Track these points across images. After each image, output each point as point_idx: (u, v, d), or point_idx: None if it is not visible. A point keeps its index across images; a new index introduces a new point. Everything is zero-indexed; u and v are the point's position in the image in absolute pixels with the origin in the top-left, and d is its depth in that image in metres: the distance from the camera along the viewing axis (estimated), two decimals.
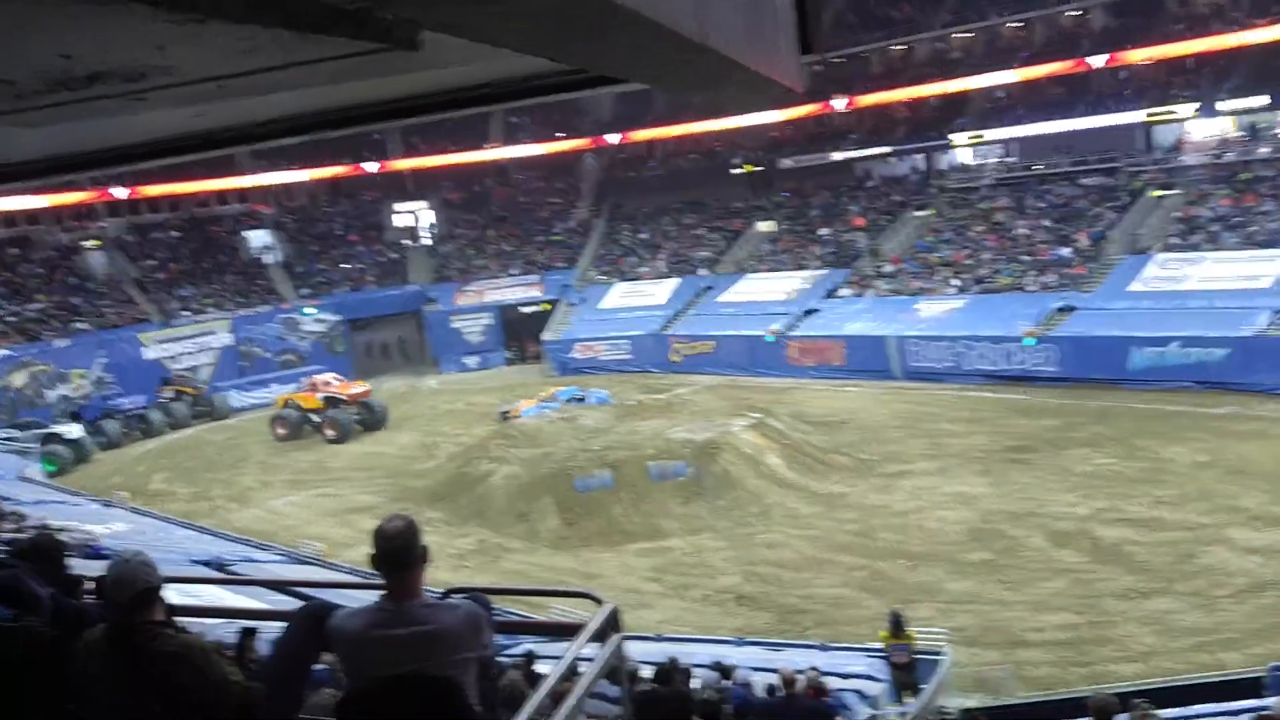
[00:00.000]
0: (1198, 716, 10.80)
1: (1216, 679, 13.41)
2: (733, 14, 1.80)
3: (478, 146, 56.72)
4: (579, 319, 48.43)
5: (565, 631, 3.39)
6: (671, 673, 7.10)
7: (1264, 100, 39.35)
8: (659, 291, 48.25)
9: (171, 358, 45.52)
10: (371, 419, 38.12)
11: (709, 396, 34.10)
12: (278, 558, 20.49)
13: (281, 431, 37.83)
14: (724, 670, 9.29)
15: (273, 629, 3.99)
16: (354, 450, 35.54)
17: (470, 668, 2.98)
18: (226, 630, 5.96)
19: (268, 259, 53.26)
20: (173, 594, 3.53)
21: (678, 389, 35.30)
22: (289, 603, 8.31)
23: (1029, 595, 18.62)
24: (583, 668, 3.21)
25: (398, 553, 3.08)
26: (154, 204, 53.29)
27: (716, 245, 50.60)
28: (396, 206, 57.87)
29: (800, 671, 9.43)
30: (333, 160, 55.04)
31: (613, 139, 56.23)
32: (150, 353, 45.01)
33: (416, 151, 57.19)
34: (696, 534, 23.88)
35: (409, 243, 56.67)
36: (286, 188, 56.89)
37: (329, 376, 40.17)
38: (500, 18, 1.38)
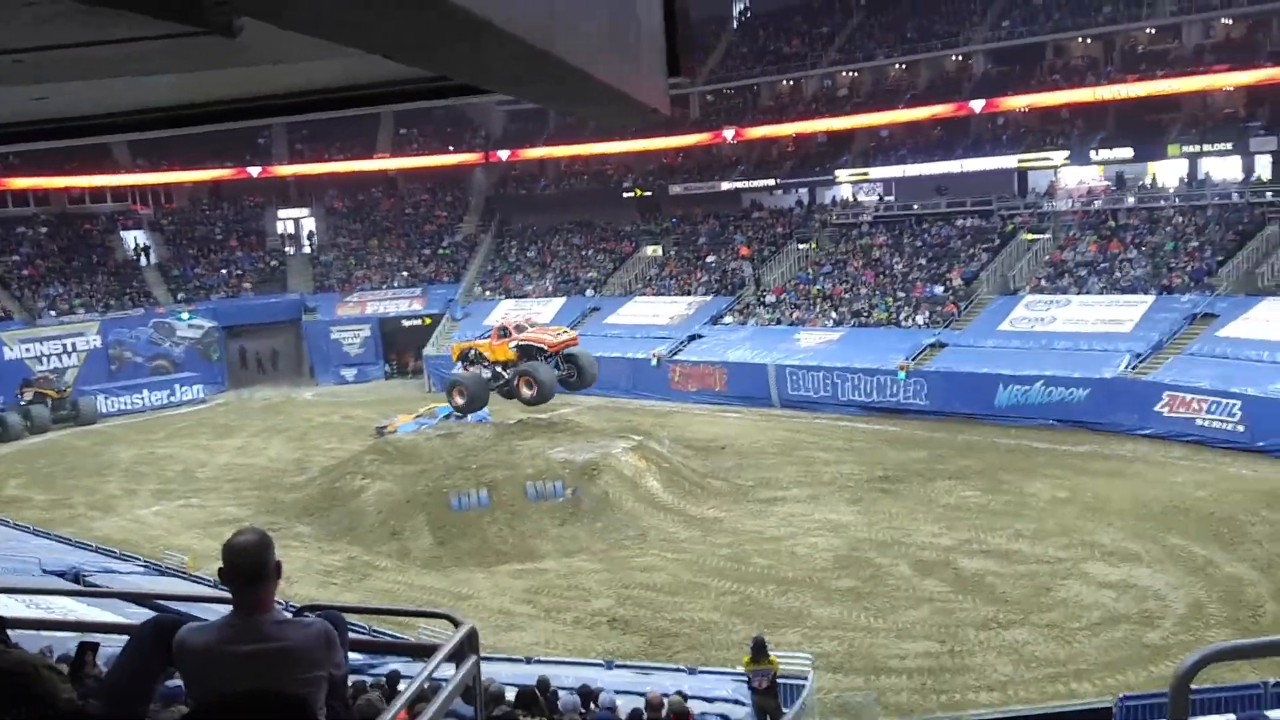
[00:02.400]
0: None
1: (1069, 709, 13.84)
2: (588, 26, 1.79)
3: (365, 155, 56.02)
4: (462, 335, 47.90)
5: (422, 652, 3.32)
6: (535, 695, 7.04)
7: (1129, 153, 41.32)
8: (545, 310, 48.03)
9: (35, 358, 43.66)
10: (578, 378, 31.29)
11: (591, 417, 34.09)
12: (139, 569, 19.73)
13: (460, 401, 31.43)
14: (588, 694, 9.25)
15: (119, 643, 3.82)
16: (222, 461, 34.51)
17: (320, 686, 2.90)
18: (74, 645, 5.69)
19: (143, 261, 51.51)
20: (20, 606, 3.36)
21: (560, 409, 35.17)
22: (146, 616, 7.99)
23: (893, 623, 19.00)
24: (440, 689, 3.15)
25: (248, 567, 2.99)
26: (20, 197, 51.14)
27: (604, 267, 50.78)
28: (279, 213, 56.63)
29: (666, 695, 9.44)
30: (215, 163, 53.67)
31: (503, 155, 56.14)
32: (10, 352, 43.09)
33: (301, 158, 56.19)
34: (572, 556, 23.80)
35: (290, 250, 55.51)
36: (166, 188, 55.24)
37: (524, 318, 34.17)
38: (310, 2, 1.33)
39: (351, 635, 3.87)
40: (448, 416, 34.28)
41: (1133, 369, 32.05)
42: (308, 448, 35.66)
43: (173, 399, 44.81)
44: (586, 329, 45.79)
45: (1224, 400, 28.87)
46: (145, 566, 20.30)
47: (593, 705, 9.05)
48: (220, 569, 3.01)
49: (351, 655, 5.16)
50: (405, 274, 53.06)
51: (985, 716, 12.40)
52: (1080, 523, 23.69)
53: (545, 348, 30.56)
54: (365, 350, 49.69)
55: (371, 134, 57.12)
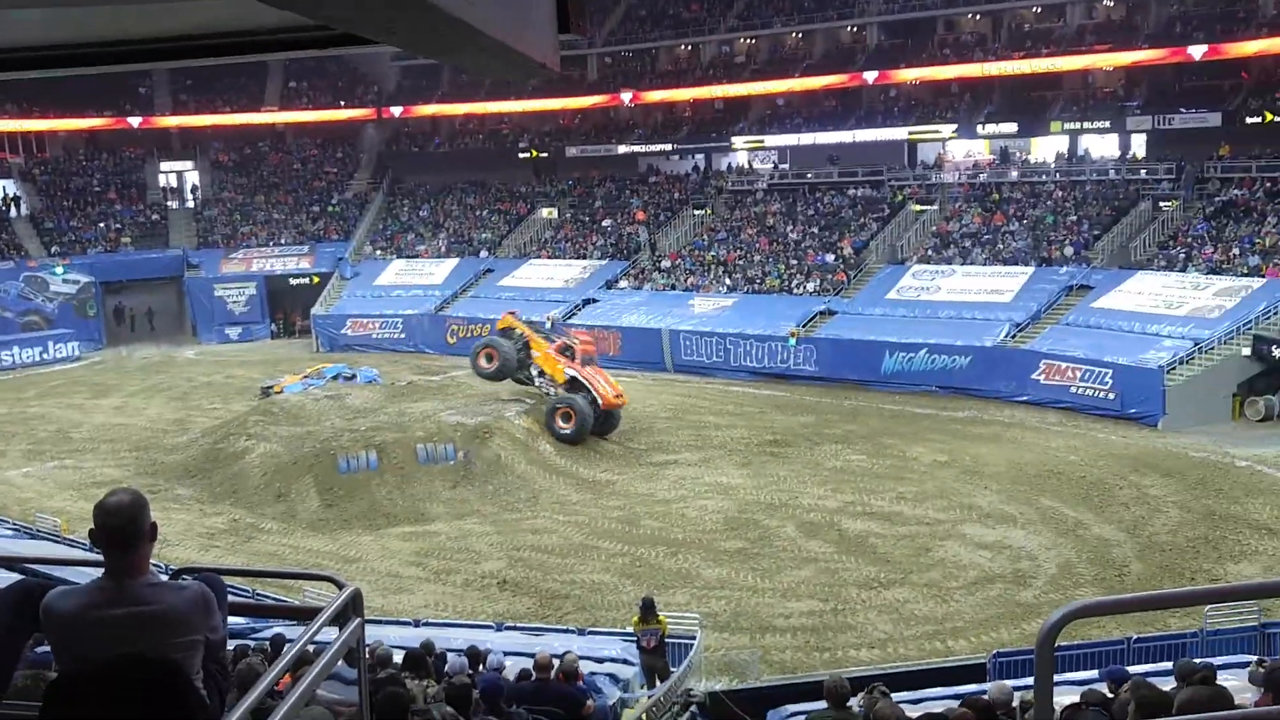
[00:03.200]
0: (925, 700, 11.50)
1: (945, 665, 14.31)
2: None
3: (253, 108, 54.37)
4: (351, 294, 47.18)
5: (305, 615, 3.30)
6: (423, 658, 7.03)
7: (1014, 128, 42.48)
8: (437, 271, 47.54)
9: None
10: (599, 427, 28.41)
11: (484, 380, 33.84)
12: (9, 533, 19.03)
13: (485, 366, 28.94)
14: (476, 655, 9.27)
15: None
16: (98, 421, 33.39)
17: (196, 651, 2.85)
18: None
19: (13, 212, 49.25)
20: None
21: (453, 371, 34.89)
22: (14, 580, 7.73)
23: (779, 583, 19.44)
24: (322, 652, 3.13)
25: (121, 528, 2.89)
26: None
27: (498, 228, 50.31)
28: (161, 165, 54.60)
29: (555, 656, 9.51)
30: (93, 111, 51.50)
31: (396, 111, 55.05)
32: None
33: (185, 108, 54.30)
34: (462, 518, 23.73)
35: (172, 204, 53.62)
36: (38, 136, 52.81)
37: (585, 343, 30.01)
38: None
39: (233, 599, 3.81)
40: (335, 377, 33.76)
41: (1012, 338, 33.11)
42: (189, 408, 34.72)
43: (46, 357, 43.13)
44: (480, 291, 45.54)
45: (1097, 369, 30.03)
46: (15, 530, 19.60)
47: (481, 667, 9.08)
48: (91, 531, 2.92)
49: (234, 619, 5.09)
50: (293, 231, 51.82)
51: (865, 672, 12.76)
52: (959, 486, 24.49)
53: (599, 400, 27.89)
54: (251, 309, 48.42)
55: (259, 86, 55.43)
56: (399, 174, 55.87)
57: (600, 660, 12.55)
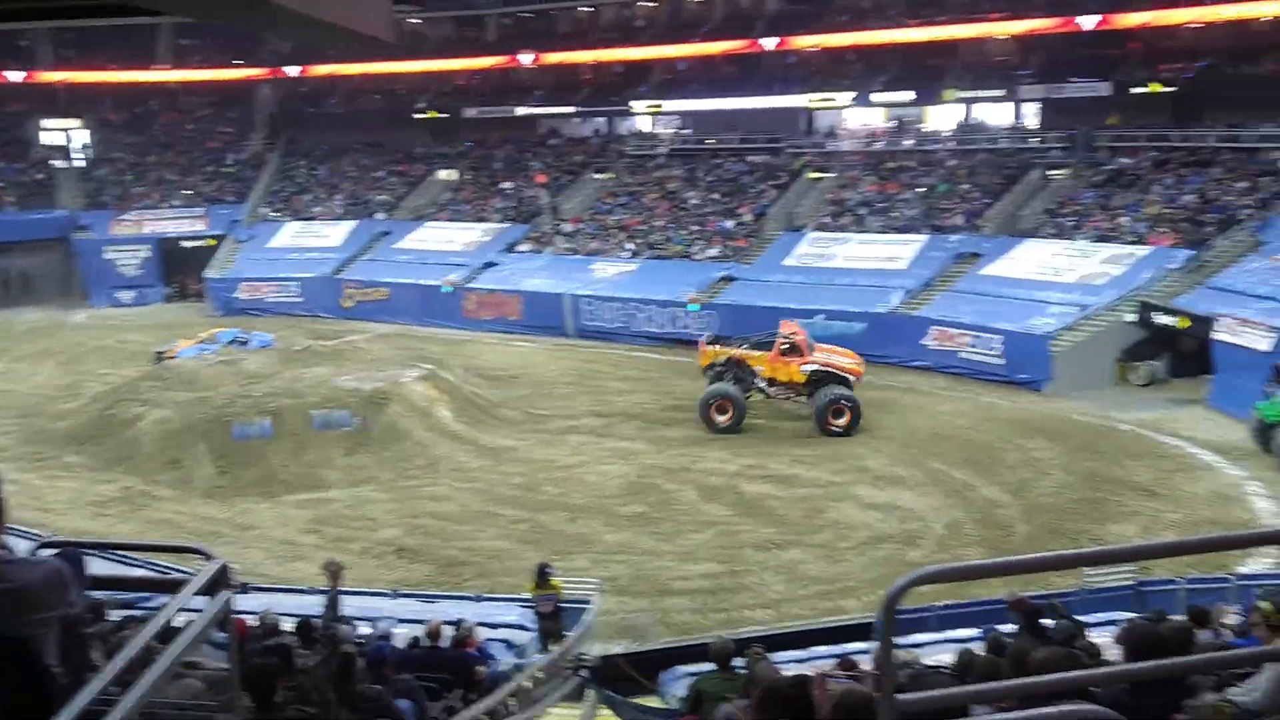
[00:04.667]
0: (813, 659, 11.79)
1: (835, 624, 14.68)
2: None
3: (143, 65, 52.42)
4: (246, 257, 46.11)
5: (172, 588, 3.27)
6: (309, 626, 6.99)
7: (909, 96, 43.13)
8: (334, 233, 46.71)
9: None
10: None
11: (381, 345, 33.45)
12: None
13: (721, 421, 26.24)
14: (354, 623, 9.22)
15: None
16: None
17: (51, 627, 2.80)
18: None
19: None
20: None
21: (349, 336, 34.39)
22: None
23: (678, 546, 19.68)
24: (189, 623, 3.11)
25: None
26: None
27: (396, 190, 49.55)
28: (45, 122, 52.45)
29: (449, 623, 9.53)
30: None
31: (292, 71, 53.69)
32: None
33: (70, 64, 52.11)
34: (359, 485, 23.51)
35: (59, 163, 51.56)
36: None
37: (799, 334, 27.22)
38: None
39: (104, 572, 3.76)
40: (232, 342, 33.03)
41: (905, 304, 33.79)
42: (79, 374, 33.66)
43: None
44: (377, 254, 44.89)
45: (985, 335, 30.84)
46: None
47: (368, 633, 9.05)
48: None
49: (101, 593, 4.99)
50: (187, 192, 50.32)
51: (755, 633, 13.05)
52: (852, 448, 24.98)
53: (851, 376, 26.48)
54: (144, 272, 47.04)
55: (149, 43, 53.43)
56: (295, 135, 54.59)
57: (496, 626, 12.60)
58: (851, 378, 26.53)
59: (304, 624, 7.22)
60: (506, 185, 47.76)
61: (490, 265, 42.24)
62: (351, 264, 44.57)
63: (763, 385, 26.79)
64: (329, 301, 42.95)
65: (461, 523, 21.14)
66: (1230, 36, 38.07)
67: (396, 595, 14.91)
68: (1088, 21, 38.32)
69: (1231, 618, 8.71)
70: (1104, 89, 38.58)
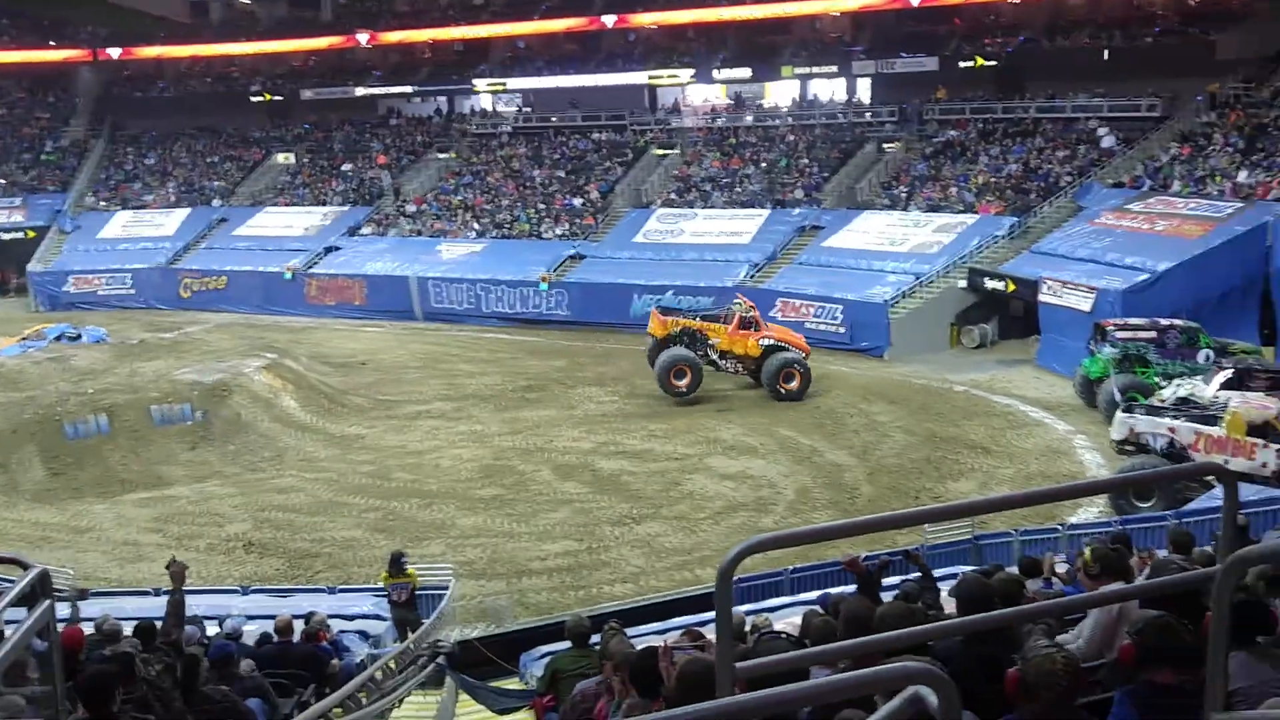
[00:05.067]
0: (671, 629, 11.97)
1: (693, 593, 14.90)
2: None
3: None
4: (73, 249, 43.95)
5: None
6: (152, 630, 6.75)
7: (748, 73, 43.82)
8: (167, 222, 44.91)
9: None
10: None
11: (221, 335, 32.37)
12: None
13: (681, 385, 26.23)
14: (202, 622, 8.95)
15: None
16: None
17: None
18: None
19: None
20: None
21: (187, 327, 33.16)
22: None
23: (535, 526, 19.66)
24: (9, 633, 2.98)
25: None
26: None
27: (232, 175, 47.88)
28: None
29: (299, 617, 9.33)
30: None
31: (114, 53, 51.11)
32: None
33: None
34: (203, 481, 22.74)
35: None
36: None
37: (749, 307, 27.62)
38: None
39: None
40: (59, 338, 31.46)
41: (751, 278, 34.43)
42: None
43: None
44: (214, 241, 43.40)
45: (828, 305, 31.71)
46: None
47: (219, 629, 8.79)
48: None
49: None
50: (3, 182, 47.53)
51: (614, 608, 13.17)
52: (705, 420, 25.39)
53: (802, 352, 26.99)
54: None
55: None
56: (121, 120, 52.11)
57: (351, 618, 12.41)
58: (801, 354, 26.94)
59: (145, 627, 6.95)
60: (347, 167, 46.68)
61: (332, 250, 41.29)
62: (187, 253, 43.00)
63: (715, 357, 26.99)
64: (165, 292, 41.39)
65: (312, 514, 20.66)
66: (1047, 12, 39.94)
67: (246, 591, 14.51)
68: None
69: (1061, 566, 9.21)
70: (931, 64, 39.97)
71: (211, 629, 9.33)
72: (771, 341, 26.83)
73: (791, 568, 14.71)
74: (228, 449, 24.09)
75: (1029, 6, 39.90)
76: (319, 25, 50.19)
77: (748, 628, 8.00)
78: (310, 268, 40.20)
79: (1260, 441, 17.60)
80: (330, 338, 35.24)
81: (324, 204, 44.69)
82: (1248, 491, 14.79)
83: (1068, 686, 3.14)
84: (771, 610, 11.05)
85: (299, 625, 9.16)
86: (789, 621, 9.41)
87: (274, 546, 19.23)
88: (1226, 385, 20.15)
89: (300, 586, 15.97)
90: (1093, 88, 36.34)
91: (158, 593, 14.15)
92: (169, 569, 7.36)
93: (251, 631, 9.53)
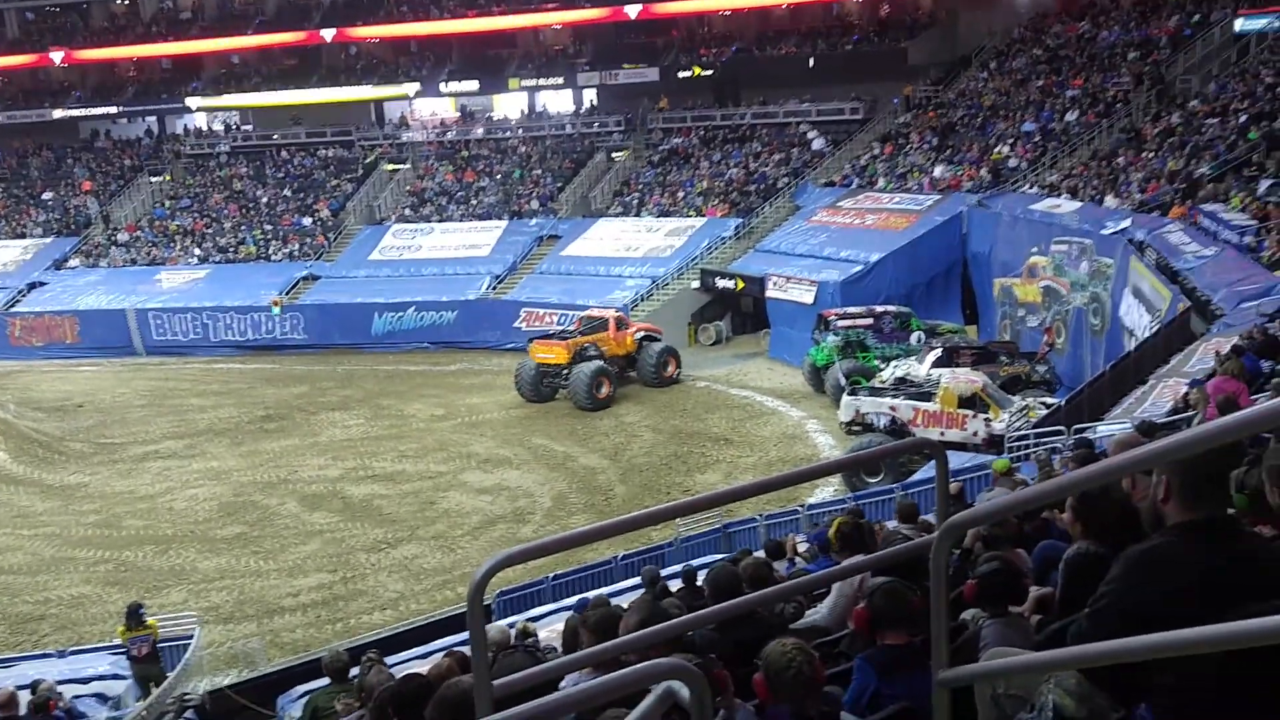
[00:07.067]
0: (434, 652, 11.77)
1: (456, 612, 14.71)
2: None
3: None
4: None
5: None
6: None
7: (475, 86, 43.72)
8: None
9: None
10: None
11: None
12: None
13: (605, 393, 26.67)
14: None
15: None
16: None
17: None
18: None
19: None
20: None
21: None
22: None
23: (283, 562, 18.90)
24: None
25: None
26: None
27: None
28: None
29: (25, 687, 8.58)
30: None
31: None
32: None
33: None
34: None
35: None
36: None
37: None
38: None
39: None
40: None
41: (493, 290, 34.40)
42: None
43: None
44: None
45: (571, 312, 31.99)
46: None
47: None
48: None
49: None
50: None
51: (373, 638, 12.85)
52: (457, 437, 25.19)
53: (658, 334, 28.88)
54: None
55: None
56: None
57: (86, 680, 11.53)
58: (658, 334, 28.80)
59: None
60: (48, 196, 43.36)
61: (37, 285, 38.20)
62: None
63: (603, 358, 27.72)
64: None
65: (33, 574, 19.06)
66: (756, 23, 41.92)
67: None
68: (633, 10, 40.58)
69: (803, 545, 9.68)
70: (653, 74, 41.13)
71: None
72: (644, 333, 28.62)
73: (553, 575, 14.80)
74: None
75: (739, 18, 41.76)
76: (4, 43, 46.37)
77: (512, 642, 7.98)
78: (12, 306, 37.06)
79: (969, 413, 19.17)
80: (40, 380, 32.65)
81: (24, 237, 41.35)
82: (961, 459, 16.09)
83: (805, 666, 3.14)
84: (535, 620, 11.07)
85: (24, 697, 8.42)
86: (553, 629, 9.47)
87: None
88: (937, 363, 21.84)
89: (24, 654, 14.67)
90: (801, 94, 38.39)
91: None
92: None
93: None
